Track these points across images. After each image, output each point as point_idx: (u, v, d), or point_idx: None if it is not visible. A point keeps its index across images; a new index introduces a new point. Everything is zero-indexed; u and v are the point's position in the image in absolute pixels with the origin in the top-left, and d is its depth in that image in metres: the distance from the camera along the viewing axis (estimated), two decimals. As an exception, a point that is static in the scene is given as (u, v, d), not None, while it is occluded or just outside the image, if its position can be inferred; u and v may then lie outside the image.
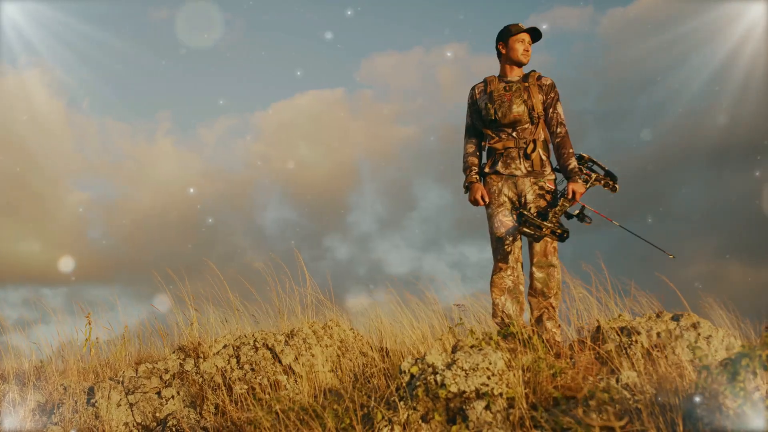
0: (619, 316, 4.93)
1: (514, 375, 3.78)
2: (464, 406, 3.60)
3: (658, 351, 4.52)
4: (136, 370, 5.05)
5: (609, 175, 5.01)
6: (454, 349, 4.06)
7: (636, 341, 4.59)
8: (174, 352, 5.24)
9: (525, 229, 4.71)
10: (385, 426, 3.61)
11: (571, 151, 4.99)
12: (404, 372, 3.80)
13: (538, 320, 4.85)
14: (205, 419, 4.67)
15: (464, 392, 3.63)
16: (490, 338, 4.10)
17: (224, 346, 5.24)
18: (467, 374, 3.67)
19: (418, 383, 3.69)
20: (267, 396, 4.81)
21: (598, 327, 4.74)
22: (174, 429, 4.58)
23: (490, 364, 3.73)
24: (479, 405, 3.58)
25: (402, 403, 3.67)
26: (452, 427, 3.35)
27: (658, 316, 4.86)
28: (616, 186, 4.96)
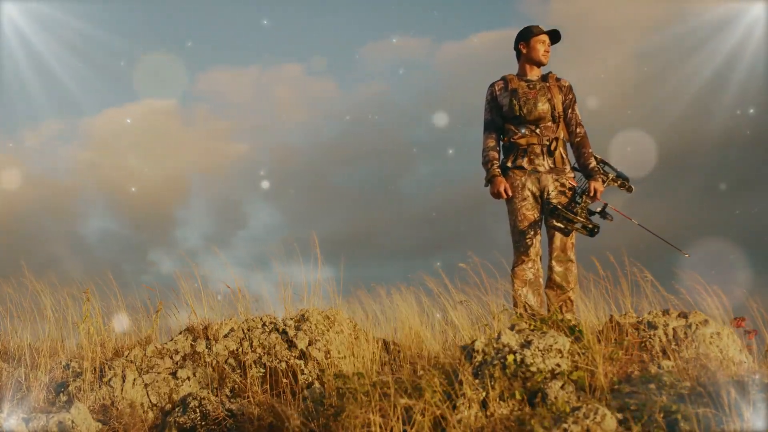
0: (626, 313, 5.15)
1: (587, 356, 3.90)
2: (542, 386, 3.67)
3: (675, 345, 4.75)
4: (144, 350, 4.82)
5: (620, 176, 5.25)
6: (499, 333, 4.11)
7: (654, 335, 4.81)
8: (181, 333, 5.04)
9: (556, 223, 4.86)
10: (463, 404, 3.63)
11: (590, 150, 5.20)
12: (477, 351, 3.83)
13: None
14: (230, 402, 4.52)
15: (542, 372, 3.71)
16: (540, 321, 4.19)
17: (231, 329, 5.09)
18: (543, 355, 3.76)
19: (495, 362, 3.74)
20: (284, 380, 4.71)
21: (611, 321, 4.94)
22: (198, 411, 4.41)
23: (562, 345, 3.83)
24: (556, 384, 3.67)
25: (478, 381, 3.71)
26: (544, 405, 3.41)
27: (665, 313, 5.10)
28: (632, 187, 5.20)
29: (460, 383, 3.69)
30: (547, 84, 5.26)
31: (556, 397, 3.63)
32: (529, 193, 5.10)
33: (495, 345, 3.83)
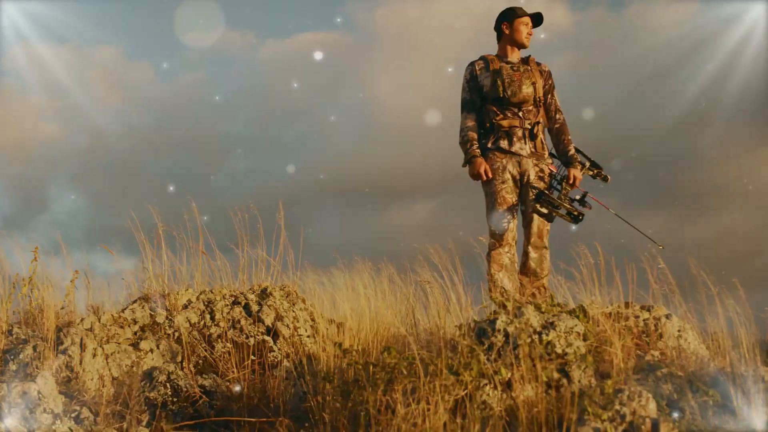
0: (591, 302, 5.25)
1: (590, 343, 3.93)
2: (566, 368, 3.67)
3: (646, 337, 4.89)
4: (99, 318, 4.42)
5: (594, 165, 5.34)
6: (519, 312, 4.08)
7: (626, 327, 4.93)
8: (136, 302, 4.67)
9: (540, 208, 4.88)
10: (487, 384, 3.56)
11: (570, 137, 5.26)
12: (498, 330, 3.77)
13: (531, 298, 5.02)
14: (201, 378, 4.23)
15: (567, 354, 3.70)
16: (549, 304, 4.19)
17: (189, 301, 4.77)
18: (566, 337, 3.76)
19: (520, 342, 3.69)
20: (250, 356, 4.48)
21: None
22: (168, 386, 4.09)
23: (580, 329, 3.84)
24: (579, 367, 3.67)
25: (500, 361, 3.66)
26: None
27: (627, 305, 5.24)
28: (608, 176, 5.29)
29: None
30: (529, 67, 5.27)
31: (580, 380, 3.63)
32: (509, 176, 5.09)
33: (518, 325, 3.78)
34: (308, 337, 4.80)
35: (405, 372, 3.28)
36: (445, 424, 3.24)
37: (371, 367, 3.54)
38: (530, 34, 5.33)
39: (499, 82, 5.14)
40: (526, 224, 5.12)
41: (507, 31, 5.33)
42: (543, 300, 4.60)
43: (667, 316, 5.13)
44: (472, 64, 5.35)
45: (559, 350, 3.68)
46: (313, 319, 4.94)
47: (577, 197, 5.08)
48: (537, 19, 5.37)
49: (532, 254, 5.07)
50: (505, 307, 4.56)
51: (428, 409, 3.27)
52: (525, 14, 5.32)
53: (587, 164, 5.27)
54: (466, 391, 3.47)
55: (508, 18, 5.33)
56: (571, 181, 5.08)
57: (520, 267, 5.11)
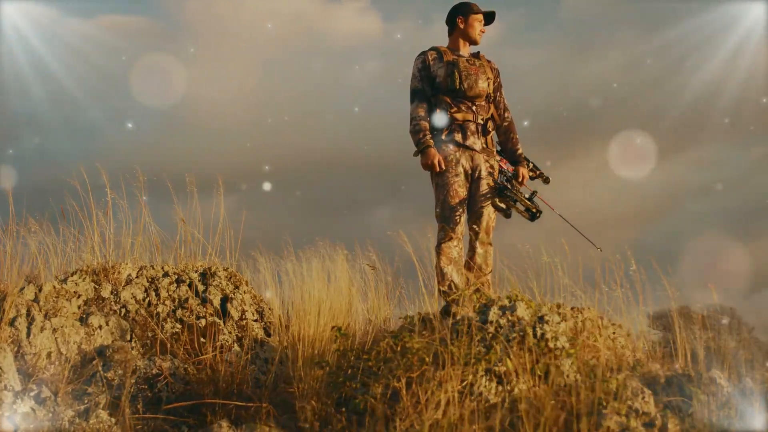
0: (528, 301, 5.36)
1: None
2: (556, 363, 3.73)
3: (585, 337, 5.05)
4: (40, 289, 4.03)
5: (535, 167, 5.46)
6: (490, 305, 4.10)
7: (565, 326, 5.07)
8: (76, 274, 4.30)
9: (500, 203, 4.93)
10: (483, 376, 3.57)
11: (518, 137, 5.36)
12: (491, 322, 3.78)
13: (476, 293, 5.06)
14: (160, 359, 3.96)
15: (560, 349, 3.77)
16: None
17: (129, 276, 4.45)
18: (556, 330, 3.82)
19: (514, 335, 3.72)
20: (208, 337, 4.27)
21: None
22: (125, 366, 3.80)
23: (564, 325, 3.92)
24: (567, 362, 3.74)
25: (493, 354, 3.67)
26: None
27: (558, 306, 5.39)
28: (549, 177, 5.42)
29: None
30: (482, 62, 5.32)
31: (568, 375, 3.70)
32: (462, 170, 5.11)
33: (510, 317, 3.80)
34: (255, 320, 4.61)
35: (427, 359, 3.21)
36: (464, 416, 3.20)
37: (371, 354, 3.46)
38: (483, 32, 5.39)
39: (456, 74, 5.15)
40: (475, 219, 5.15)
41: (461, 26, 5.35)
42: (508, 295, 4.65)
43: (600, 318, 5.33)
44: (423, 53, 5.33)
45: (551, 344, 3.73)
46: (257, 303, 4.75)
47: (526, 196, 5.17)
48: (490, 18, 5.43)
49: (479, 249, 5.12)
50: (457, 301, 4.61)
51: (433, 399, 3.23)
52: (480, 11, 5.37)
53: (530, 165, 5.38)
54: (465, 383, 3.46)
55: (463, 12, 5.36)
56: (520, 179, 5.17)
57: (465, 262, 5.14)
